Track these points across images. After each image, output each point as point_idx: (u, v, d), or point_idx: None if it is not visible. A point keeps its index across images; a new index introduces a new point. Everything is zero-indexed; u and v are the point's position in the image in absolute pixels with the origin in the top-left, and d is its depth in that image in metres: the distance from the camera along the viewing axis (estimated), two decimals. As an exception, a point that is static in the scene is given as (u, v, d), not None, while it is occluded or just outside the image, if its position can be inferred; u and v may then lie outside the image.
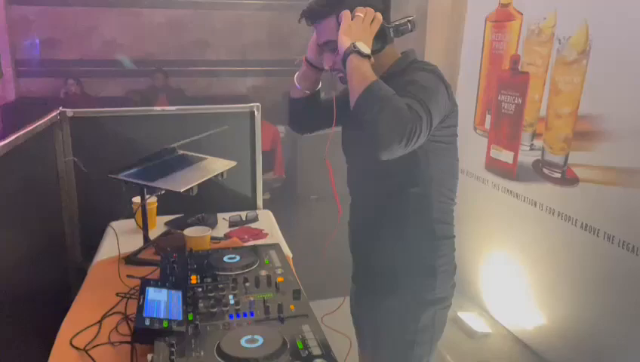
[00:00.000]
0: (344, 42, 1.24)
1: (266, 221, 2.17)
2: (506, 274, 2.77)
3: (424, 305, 1.45)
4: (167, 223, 2.10)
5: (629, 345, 2.04)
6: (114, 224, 2.13)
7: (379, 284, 1.50)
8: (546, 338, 2.51)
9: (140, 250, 1.81)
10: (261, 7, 6.93)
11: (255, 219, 2.14)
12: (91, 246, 2.14)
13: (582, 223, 2.25)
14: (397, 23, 1.33)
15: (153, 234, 1.97)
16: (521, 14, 2.65)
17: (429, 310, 1.45)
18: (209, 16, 6.86)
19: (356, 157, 1.52)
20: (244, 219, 2.12)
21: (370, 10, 1.28)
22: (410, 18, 1.34)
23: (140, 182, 1.65)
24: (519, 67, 2.66)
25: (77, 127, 2.09)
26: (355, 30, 1.25)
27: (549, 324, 2.48)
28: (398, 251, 1.44)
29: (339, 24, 1.28)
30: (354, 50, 1.21)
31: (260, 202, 2.35)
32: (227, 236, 1.97)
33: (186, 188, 1.60)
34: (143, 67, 6.71)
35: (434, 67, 1.35)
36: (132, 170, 1.69)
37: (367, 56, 1.23)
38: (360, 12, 1.27)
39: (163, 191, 1.63)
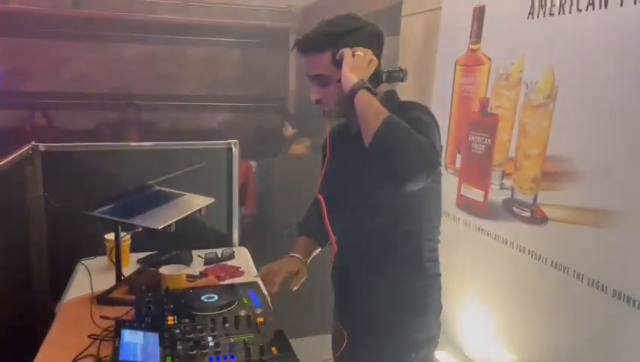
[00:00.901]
0: (351, 78, 1.27)
1: (242, 258, 2.15)
2: (479, 312, 2.79)
3: (416, 346, 1.45)
4: (140, 260, 2.06)
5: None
6: (84, 261, 2.09)
7: (368, 325, 1.48)
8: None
9: (112, 289, 1.76)
10: (233, 44, 7.02)
11: (231, 257, 2.12)
12: (59, 284, 2.07)
13: (552, 261, 2.30)
14: (390, 70, 1.38)
15: (126, 271, 1.93)
16: (490, 59, 2.76)
17: (421, 351, 1.46)
18: (181, 51, 6.91)
19: (344, 194, 1.49)
20: (219, 256, 2.10)
21: (369, 51, 1.32)
22: (402, 68, 1.39)
23: (116, 219, 1.62)
24: (488, 109, 2.75)
25: (49, 161, 2.05)
26: (359, 67, 1.29)
27: (521, 360, 2.50)
28: (389, 291, 1.43)
29: (335, 60, 1.32)
30: (364, 85, 1.25)
31: (235, 239, 2.33)
32: (203, 274, 1.94)
33: (164, 225, 1.58)
34: (112, 100, 6.67)
35: (426, 107, 1.41)
36: (107, 207, 1.66)
37: (375, 93, 1.27)
38: (361, 52, 1.31)
39: (140, 229, 1.60)
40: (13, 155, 1.79)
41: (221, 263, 2.06)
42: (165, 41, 6.75)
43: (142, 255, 2.09)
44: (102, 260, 2.03)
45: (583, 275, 2.16)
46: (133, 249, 2.05)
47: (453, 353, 2.91)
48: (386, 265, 1.43)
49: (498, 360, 2.65)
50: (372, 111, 1.21)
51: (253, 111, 7.06)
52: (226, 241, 2.30)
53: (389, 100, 1.42)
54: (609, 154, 2.03)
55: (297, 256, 1.53)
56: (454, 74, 3.05)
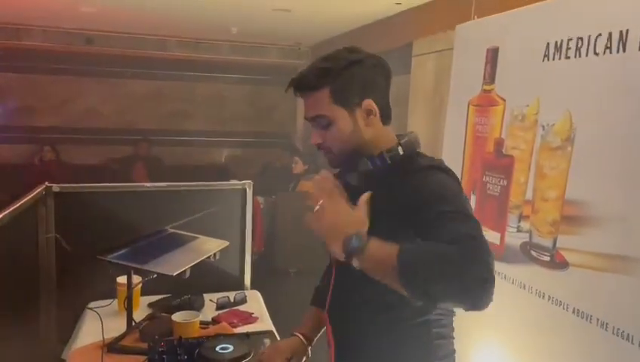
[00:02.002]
0: (336, 249, 1.05)
1: (255, 302, 2.09)
2: (496, 358, 2.70)
3: None
4: (150, 305, 2.00)
5: None
6: (93, 304, 2.03)
7: None
8: None
9: (123, 336, 1.70)
10: (241, 80, 7.10)
11: (243, 301, 2.07)
12: (67, 328, 2.02)
13: (573, 308, 2.23)
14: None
15: (136, 316, 1.87)
16: (504, 100, 2.75)
17: None
18: (190, 87, 6.99)
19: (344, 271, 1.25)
20: (232, 300, 2.05)
21: (326, 183, 1.15)
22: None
23: (130, 264, 1.58)
24: (503, 150, 2.73)
25: (61, 202, 2.02)
26: (333, 227, 1.06)
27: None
28: None
29: (335, 98, 1.17)
30: (351, 253, 1.02)
31: (247, 282, 2.28)
32: (216, 320, 1.89)
33: (179, 271, 1.54)
34: (120, 136, 6.71)
35: (445, 165, 1.23)
36: (120, 251, 1.62)
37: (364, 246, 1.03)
38: (319, 203, 1.10)
39: (155, 276, 1.56)
40: (27, 197, 1.77)
41: (234, 308, 2.01)
42: (175, 77, 6.85)
43: (152, 298, 2.03)
44: (111, 303, 1.97)
45: (607, 324, 2.08)
46: (144, 291, 2.00)
47: (470, 401, 2.81)
48: (385, 340, 1.23)
49: (517, 409, 2.55)
50: (381, 269, 1.01)
51: (260, 147, 7.09)
52: (237, 284, 2.24)
53: (404, 156, 1.22)
54: (629, 198, 1.99)
55: (299, 336, 1.42)
56: (467, 114, 3.04)
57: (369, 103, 1.19)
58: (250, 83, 7.13)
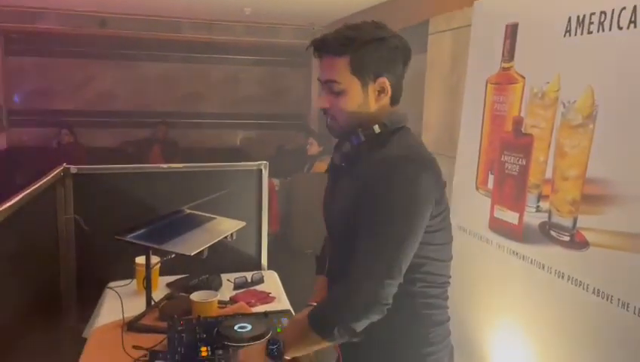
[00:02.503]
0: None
1: (272, 282, 2.10)
2: (513, 337, 2.69)
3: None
4: (169, 285, 2.02)
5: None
6: (112, 284, 2.06)
7: None
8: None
9: (142, 315, 1.72)
10: (254, 61, 7.06)
11: (261, 281, 2.08)
12: (87, 307, 2.05)
13: (594, 288, 2.20)
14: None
15: (155, 295, 1.89)
16: (523, 78, 2.70)
17: None
18: (204, 69, 6.98)
19: (331, 227, 1.37)
20: (249, 280, 2.05)
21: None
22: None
23: (149, 244, 1.59)
24: (522, 129, 2.68)
25: (80, 183, 2.04)
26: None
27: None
28: (384, 342, 1.26)
29: (353, 68, 1.19)
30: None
31: (264, 262, 2.29)
32: (233, 300, 1.90)
33: (197, 251, 1.54)
34: (136, 118, 6.75)
35: (421, 156, 1.23)
36: (139, 232, 1.63)
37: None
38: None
39: (173, 255, 1.57)
40: (46, 178, 1.78)
41: (251, 288, 2.02)
42: (188, 59, 6.84)
43: (171, 278, 2.05)
44: (130, 283, 2.00)
45: (628, 304, 2.06)
46: (162, 272, 2.01)
47: (486, 380, 2.81)
48: None
49: (534, 388, 2.55)
50: (308, 347, 1.22)
51: (275, 129, 7.08)
52: (254, 265, 2.25)
53: (384, 129, 1.24)
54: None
55: (314, 304, 1.38)
56: (485, 92, 2.99)
57: (383, 82, 1.22)
58: (264, 64, 7.09)
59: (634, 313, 2.03)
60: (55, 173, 1.93)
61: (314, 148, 5.30)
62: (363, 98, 1.22)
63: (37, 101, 6.51)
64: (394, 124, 1.24)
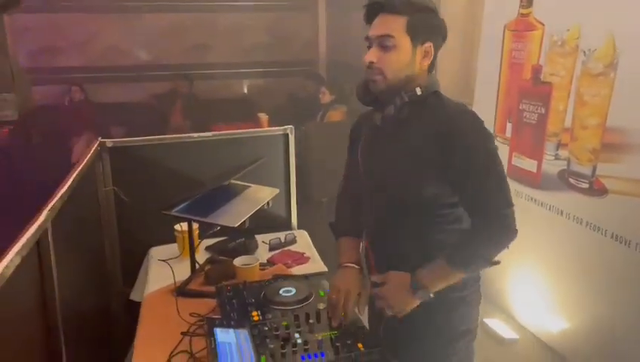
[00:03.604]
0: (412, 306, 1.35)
1: (304, 241, 2.21)
2: (532, 281, 2.81)
3: (456, 337, 1.45)
4: (208, 248, 2.12)
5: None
6: (154, 250, 2.17)
7: (405, 321, 1.41)
8: (572, 344, 2.56)
9: (189, 280, 1.83)
10: (260, 7, 6.91)
11: (293, 241, 2.18)
12: (131, 271, 2.18)
13: (612, 233, 2.29)
14: None
15: (196, 259, 1.99)
16: (543, 25, 2.68)
17: (461, 341, 1.45)
18: (210, 19, 6.84)
19: (383, 186, 1.43)
20: (283, 241, 2.15)
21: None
22: None
23: (195, 218, 1.68)
24: (541, 77, 2.69)
25: (115, 156, 2.12)
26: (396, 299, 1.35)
27: (576, 330, 2.53)
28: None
29: (408, 28, 1.30)
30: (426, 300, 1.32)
31: (294, 222, 2.39)
32: (270, 262, 2.01)
33: (240, 222, 1.63)
34: (146, 72, 6.71)
35: (474, 113, 1.36)
36: (182, 205, 1.71)
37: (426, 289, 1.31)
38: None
39: (218, 228, 1.65)
40: (87, 158, 1.85)
41: (285, 248, 2.12)
42: (194, 8, 6.69)
43: (209, 241, 2.14)
44: (171, 248, 2.10)
45: (644, 247, 2.15)
46: (199, 235, 2.11)
47: (505, 319, 2.96)
48: (423, 259, 1.37)
49: (551, 327, 2.69)
50: (447, 285, 1.34)
51: (283, 77, 7.01)
52: (286, 225, 2.35)
53: (426, 91, 1.36)
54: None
55: (353, 266, 1.49)
56: (503, 39, 2.97)
57: (429, 46, 1.35)
58: (270, 10, 6.94)
59: (651, 256, 2.12)
60: (94, 148, 2.00)
61: (326, 96, 5.28)
62: (410, 57, 1.33)
63: (42, 59, 6.44)
64: (431, 88, 1.37)
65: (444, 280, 1.32)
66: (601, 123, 2.34)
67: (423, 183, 1.35)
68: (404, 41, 1.32)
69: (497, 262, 1.32)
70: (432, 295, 1.31)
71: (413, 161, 1.35)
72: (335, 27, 6.83)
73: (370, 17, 1.37)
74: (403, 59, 1.32)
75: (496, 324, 2.90)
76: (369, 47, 1.35)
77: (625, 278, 2.25)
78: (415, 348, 1.45)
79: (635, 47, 2.17)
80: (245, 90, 7.20)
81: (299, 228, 2.41)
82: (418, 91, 1.34)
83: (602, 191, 2.34)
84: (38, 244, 1.30)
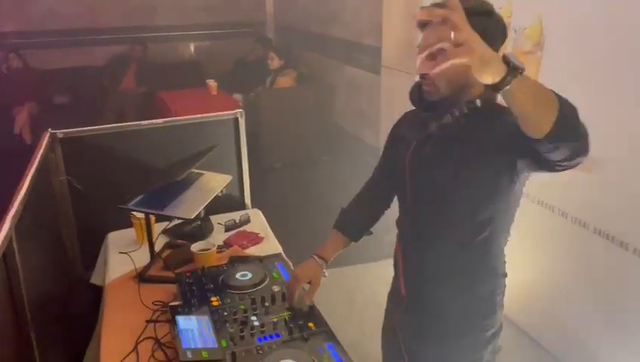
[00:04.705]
0: (495, 72, 0.98)
1: (258, 221, 2.32)
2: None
3: (489, 341, 1.46)
4: (165, 232, 2.20)
5: (580, 300, 2.37)
6: (112, 235, 2.24)
7: (439, 327, 1.46)
8: (507, 299, 2.83)
9: (149, 266, 1.93)
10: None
11: (248, 221, 2.29)
12: (90, 256, 2.25)
13: (538, 200, 2.52)
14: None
15: (154, 241, 2.06)
16: (479, 1, 2.80)
17: (491, 343, 1.47)
18: (152, -22, 6.62)
19: (429, 193, 1.39)
20: (237, 222, 2.27)
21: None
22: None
23: (151, 211, 1.76)
24: (478, 52, 2.84)
25: (67, 146, 2.15)
26: (483, 49, 0.98)
27: (510, 286, 2.79)
28: (467, 296, 1.42)
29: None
30: (516, 68, 0.98)
31: (248, 201, 2.49)
32: (227, 243, 2.12)
33: (195, 213, 1.73)
34: (88, 36, 6.48)
35: None
36: (138, 198, 1.79)
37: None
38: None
39: (175, 221, 1.75)
40: (40, 151, 1.89)
41: (240, 229, 2.23)
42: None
43: (165, 224, 2.21)
44: (129, 233, 2.19)
45: (567, 213, 2.39)
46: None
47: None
48: (462, 270, 1.39)
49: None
50: (535, 98, 1.02)
51: (229, 38, 6.91)
52: (239, 204, 2.46)
53: (485, 102, 1.28)
54: (594, 104, 2.17)
55: (318, 260, 1.57)
56: (442, 14, 3.09)
57: None
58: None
59: (571, 221, 2.37)
60: (44, 141, 2.02)
61: (275, 62, 5.29)
62: (467, 66, 1.07)
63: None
64: (491, 99, 1.30)
65: (539, 88, 1.04)
66: (529, 98, 2.51)
67: (474, 183, 1.29)
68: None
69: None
70: (514, 85, 0.99)
71: (468, 165, 1.29)
72: (282, -12, 6.74)
73: (422, 25, 1.27)
74: (460, 68, 1.09)
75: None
76: (420, 57, 1.24)
77: (551, 240, 2.50)
78: (454, 351, 1.46)
79: (560, 29, 2.34)
80: (193, 54, 7.08)
81: (254, 197, 2.53)
82: (478, 103, 1.27)
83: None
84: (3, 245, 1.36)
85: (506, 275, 1.47)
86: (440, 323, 1.46)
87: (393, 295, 1.62)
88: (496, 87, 1.00)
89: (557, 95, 1.02)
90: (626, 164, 2.07)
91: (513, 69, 0.98)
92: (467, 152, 1.30)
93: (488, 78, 0.99)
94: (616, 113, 2.09)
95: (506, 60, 0.99)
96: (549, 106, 1.01)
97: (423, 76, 1.28)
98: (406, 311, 1.52)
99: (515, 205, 1.38)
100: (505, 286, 1.47)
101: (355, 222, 1.63)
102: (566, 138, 1.04)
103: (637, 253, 2.04)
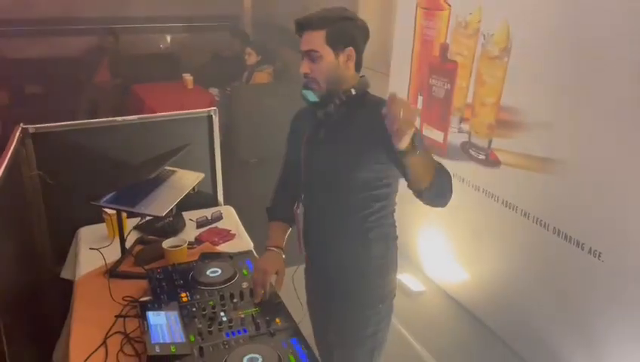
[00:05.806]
0: (405, 141, 1.26)
1: (231, 219, 2.35)
2: (437, 239, 3.14)
3: (382, 298, 1.74)
4: (137, 227, 2.22)
5: (539, 298, 2.47)
6: (83, 230, 2.25)
7: (339, 288, 1.73)
8: (471, 294, 2.93)
9: (119, 262, 1.95)
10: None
11: (220, 218, 2.32)
12: (61, 251, 2.26)
13: (503, 200, 2.61)
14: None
15: (125, 236, 2.08)
16: (450, 5, 2.87)
17: (386, 301, 1.75)
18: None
19: (325, 171, 1.66)
20: (209, 218, 2.30)
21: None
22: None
23: (122, 208, 1.78)
24: (448, 55, 2.91)
25: (38, 141, 2.15)
26: (412, 121, 1.29)
27: (473, 281, 2.89)
28: (361, 258, 1.69)
29: (328, 40, 1.53)
30: (416, 145, 1.29)
31: (221, 198, 2.52)
32: (198, 240, 2.15)
33: (167, 211, 1.76)
34: (61, 26, 6.37)
35: None
36: (110, 195, 1.81)
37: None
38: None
39: (146, 218, 1.77)
40: (11, 147, 1.88)
41: (212, 226, 2.27)
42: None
43: (137, 220, 2.23)
44: (100, 228, 2.20)
45: (528, 213, 2.48)
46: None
47: (415, 273, 3.30)
48: (357, 236, 1.67)
49: (453, 278, 3.05)
50: (424, 167, 1.39)
51: (205, 32, 6.86)
52: (212, 201, 2.48)
53: (359, 89, 1.61)
54: (556, 106, 2.27)
55: (275, 250, 1.73)
56: (415, 16, 3.15)
57: (351, 51, 1.57)
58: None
59: (532, 221, 2.45)
60: (15, 135, 2.02)
61: (252, 57, 5.30)
62: (335, 63, 1.56)
63: None
64: (364, 88, 1.63)
65: (428, 160, 1.40)
66: (496, 102, 2.60)
67: (359, 166, 1.58)
68: (327, 52, 1.55)
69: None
70: (413, 155, 1.32)
71: (353, 148, 1.58)
72: (260, -17, 6.72)
73: (299, 34, 1.60)
74: (330, 66, 1.56)
75: (407, 278, 3.23)
76: (303, 59, 1.59)
77: (513, 238, 2.59)
78: (353, 310, 1.72)
79: (525, 35, 2.42)
80: (169, 47, 7.01)
81: (228, 192, 2.57)
82: (353, 92, 1.59)
83: (496, 163, 2.64)
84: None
85: (396, 238, 1.76)
86: (339, 283, 1.72)
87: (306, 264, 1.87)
88: (403, 153, 1.30)
89: (439, 167, 1.45)
90: (585, 165, 2.16)
91: (415, 146, 1.30)
92: (351, 133, 1.59)
93: (403, 145, 1.28)
94: (577, 115, 2.17)
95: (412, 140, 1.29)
96: (428, 174, 1.40)
97: (306, 75, 1.59)
98: (312, 274, 1.83)
99: (399, 176, 1.61)
100: (397, 248, 1.76)
101: (285, 208, 1.81)
102: (431, 200, 1.48)
103: (592, 253, 2.14)
